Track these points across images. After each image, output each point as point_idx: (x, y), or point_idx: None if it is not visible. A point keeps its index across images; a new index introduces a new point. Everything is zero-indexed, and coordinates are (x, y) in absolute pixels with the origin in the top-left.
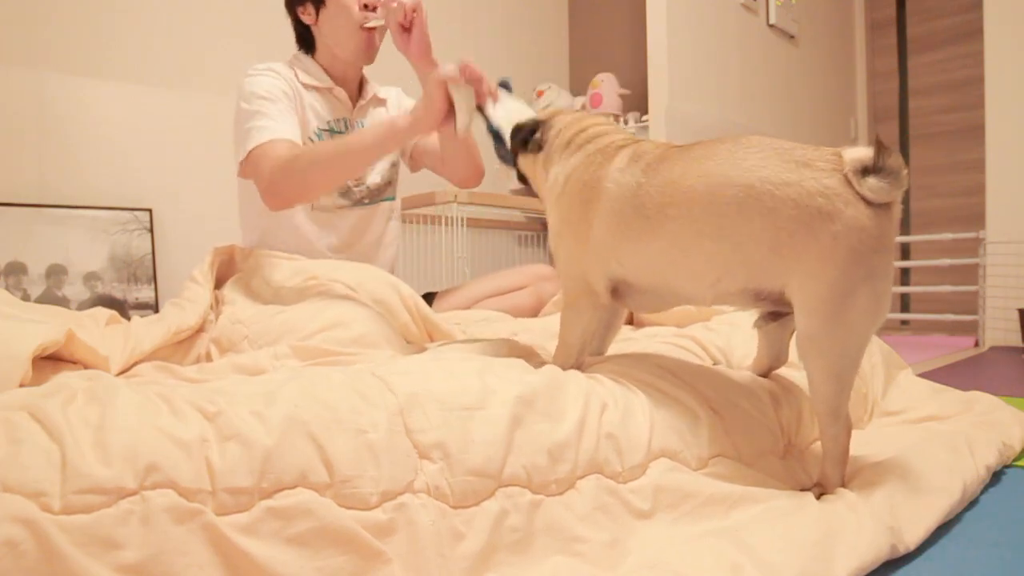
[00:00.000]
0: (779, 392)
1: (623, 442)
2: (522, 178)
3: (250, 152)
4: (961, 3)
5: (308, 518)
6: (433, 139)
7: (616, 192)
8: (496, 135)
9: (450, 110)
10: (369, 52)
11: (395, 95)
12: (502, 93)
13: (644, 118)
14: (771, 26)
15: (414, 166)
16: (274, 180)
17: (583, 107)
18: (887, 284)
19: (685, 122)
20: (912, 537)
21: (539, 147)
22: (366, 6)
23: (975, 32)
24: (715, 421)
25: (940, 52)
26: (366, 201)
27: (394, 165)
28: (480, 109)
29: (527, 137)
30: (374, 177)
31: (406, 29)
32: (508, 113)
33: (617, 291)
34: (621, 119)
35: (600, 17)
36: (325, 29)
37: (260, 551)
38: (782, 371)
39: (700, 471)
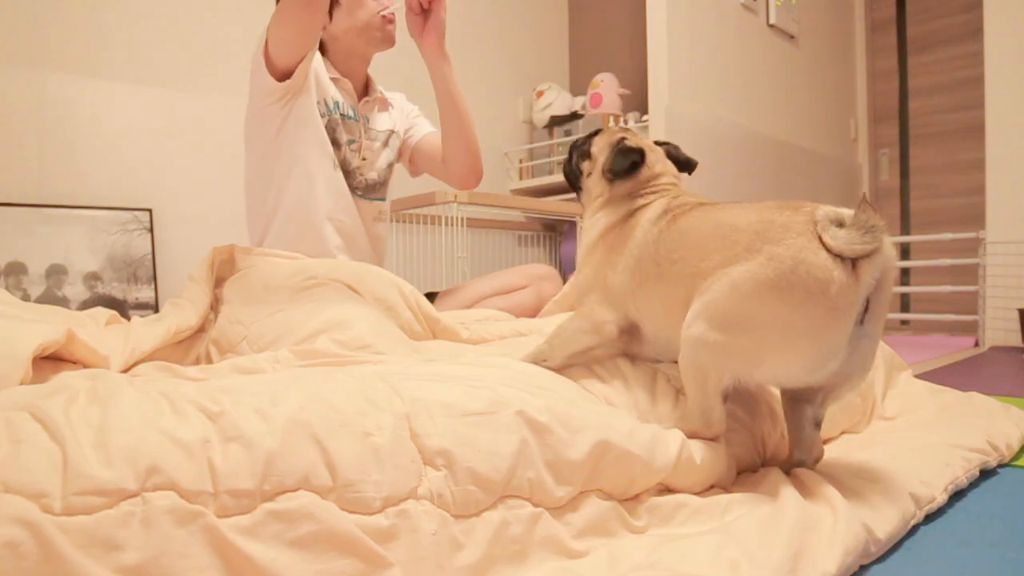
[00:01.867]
0: (754, 405)
1: (623, 458)
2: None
3: (264, 39)
4: (961, 3)
5: (310, 521)
6: (432, 141)
7: (641, 239)
8: None
9: None
10: (388, 40)
11: (400, 99)
12: None
13: (644, 118)
14: (771, 26)
15: (414, 170)
16: (274, 22)
17: (583, 107)
18: None
19: (685, 122)
20: (883, 534)
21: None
22: None
23: (975, 32)
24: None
25: (940, 52)
26: (359, 192)
27: (390, 166)
28: None
29: (631, 165)
30: (371, 174)
31: (424, 10)
32: None
33: (627, 334)
34: (621, 119)
35: (600, 17)
36: (341, 27)
37: (261, 554)
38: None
39: None
